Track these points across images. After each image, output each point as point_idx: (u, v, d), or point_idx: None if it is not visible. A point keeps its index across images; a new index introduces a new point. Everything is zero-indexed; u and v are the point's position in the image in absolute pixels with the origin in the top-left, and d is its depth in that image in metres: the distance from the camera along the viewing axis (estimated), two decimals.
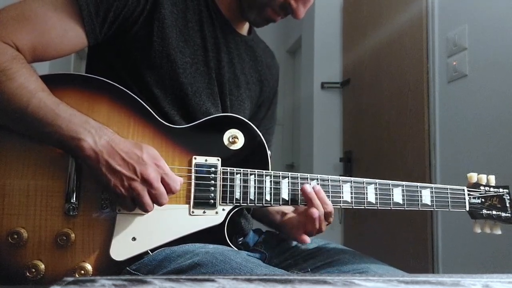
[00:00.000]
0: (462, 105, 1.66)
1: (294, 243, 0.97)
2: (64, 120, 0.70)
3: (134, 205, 0.73)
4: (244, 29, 1.03)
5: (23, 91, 0.70)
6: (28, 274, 0.71)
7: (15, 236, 0.71)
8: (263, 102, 1.10)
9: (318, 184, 0.84)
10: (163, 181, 0.73)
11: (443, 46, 1.79)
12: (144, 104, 0.80)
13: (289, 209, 0.97)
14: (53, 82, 0.76)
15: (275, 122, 1.15)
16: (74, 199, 0.74)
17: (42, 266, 0.71)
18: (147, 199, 0.72)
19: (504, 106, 1.45)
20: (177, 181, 0.74)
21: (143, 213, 0.75)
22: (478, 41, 1.59)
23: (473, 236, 1.50)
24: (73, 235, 0.73)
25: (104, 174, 0.70)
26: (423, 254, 1.79)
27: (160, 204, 0.73)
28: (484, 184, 0.93)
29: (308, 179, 0.84)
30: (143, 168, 0.71)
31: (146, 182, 0.71)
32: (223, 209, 0.79)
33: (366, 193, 0.85)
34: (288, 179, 0.83)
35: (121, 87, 0.80)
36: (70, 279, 0.37)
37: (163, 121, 0.82)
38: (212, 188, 0.79)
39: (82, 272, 0.72)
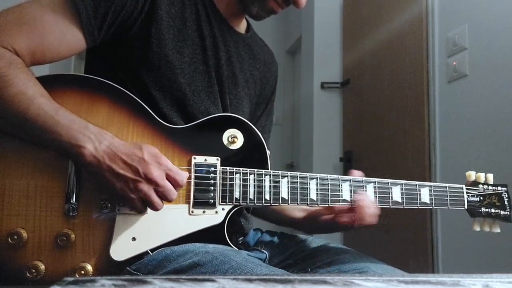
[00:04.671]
0: (462, 105, 1.66)
1: (293, 243, 0.97)
2: (64, 127, 0.70)
3: (144, 206, 0.73)
4: (242, 27, 1.03)
5: (21, 97, 0.69)
6: (28, 274, 0.71)
7: (15, 237, 0.71)
8: (262, 100, 1.10)
9: (318, 183, 0.84)
10: (168, 177, 0.73)
11: (443, 46, 1.79)
12: (143, 105, 0.80)
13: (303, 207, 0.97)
14: (52, 83, 0.76)
15: (272, 120, 1.15)
16: (74, 199, 0.74)
17: (42, 267, 0.71)
18: (155, 197, 0.72)
19: (504, 106, 1.45)
20: (182, 174, 0.75)
21: (143, 213, 0.75)
22: (478, 41, 1.59)
23: (473, 236, 1.51)
24: (73, 236, 0.73)
25: (109, 180, 0.71)
26: (423, 254, 1.79)
27: (169, 200, 0.73)
28: (482, 182, 0.93)
29: (308, 178, 0.84)
30: (145, 168, 0.71)
31: (151, 181, 0.71)
32: (223, 209, 0.79)
33: (365, 191, 0.85)
34: (288, 178, 0.83)
35: (121, 88, 0.80)
36: (70, 279, 0.37)
37: (162, 121, 0.82)
38: (212, 188, 0.79)
39: (82, 272, 0.72)
